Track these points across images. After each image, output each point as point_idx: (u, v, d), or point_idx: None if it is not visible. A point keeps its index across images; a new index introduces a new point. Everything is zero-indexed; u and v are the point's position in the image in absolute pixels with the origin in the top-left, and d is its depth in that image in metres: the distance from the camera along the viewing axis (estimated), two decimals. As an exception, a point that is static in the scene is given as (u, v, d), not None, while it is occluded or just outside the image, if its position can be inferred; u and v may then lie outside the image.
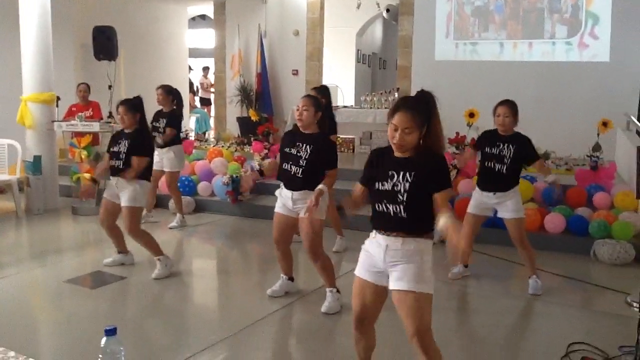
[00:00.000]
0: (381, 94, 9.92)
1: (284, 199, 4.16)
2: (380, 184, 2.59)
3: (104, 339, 1.48)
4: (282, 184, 4.18)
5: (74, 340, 3.73)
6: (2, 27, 8.59)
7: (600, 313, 4.33)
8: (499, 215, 4.63)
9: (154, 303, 4.61)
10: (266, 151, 8.03)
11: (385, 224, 2.59)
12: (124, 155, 4.82)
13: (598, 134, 7.43)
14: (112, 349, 1.48)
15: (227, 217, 7.35)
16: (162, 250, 5.00)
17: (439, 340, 2.64)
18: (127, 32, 10.65)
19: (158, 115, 6.50)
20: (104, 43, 9.90)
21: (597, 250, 5.56)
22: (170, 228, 6.61)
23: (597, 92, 8.96)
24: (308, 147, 3.99)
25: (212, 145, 9.49)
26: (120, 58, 10.13)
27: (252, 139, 9.17)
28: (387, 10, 14.07)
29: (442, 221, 2.45)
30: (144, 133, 4.98)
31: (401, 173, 2.54)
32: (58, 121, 7.52)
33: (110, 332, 1.49)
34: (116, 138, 4.98)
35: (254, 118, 9.34)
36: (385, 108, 9.43)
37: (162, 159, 6.38)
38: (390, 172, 2.57)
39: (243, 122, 11.01)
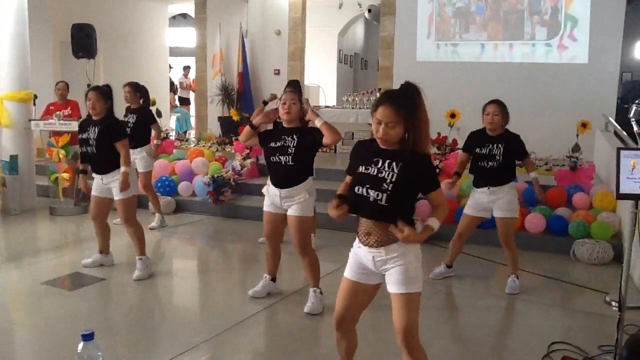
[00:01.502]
0: (363, 94, 9.93)
1: (271, 197, 4.15)
2: (364, 168, 2.55)
3: (80, 344, 1.44)
4: (269, 182, 4.17)
5: (52, 344, 3.66)
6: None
7: (580, 312, 4.37)
8: (494, 214, 4.63)
9: (134, 305, 4.54)
10: (247, 151, 7.98)
11: (362, 209, 2.55)
12: (93, 141, 4.76)
13: (577, 135, 7.51)
14: (89, 354, 1.44)
15: (208, 218, 7.29)
16: (138, 250, 4.95)
17: (421, 339, 2.63)
18: (107, 30, 10.52)
19: (127, 111, 6.42)
20: (83, 41, 9.73)
21: (576, 250, 5.62)
22: (151, 229, 6.53)
23: (576, 94, 9.07)
24: (295, 136, 3.98)
25: (193, 145, 9.41)
26: (100, 56, 9.99)
27: (233, 138, 9.11)
28: (369, 11, 14.09)
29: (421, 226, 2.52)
30: (113, 118, 4.93)
31: (387, 162, 2.50)
32: (35, 120, 7.40)
33: (88, 337, 1.45)
34: (84, 126, 4.90)
35: (235, 118, 9.29)
36: (367, 108, 9.43)
37: (134, 159, 6.29)
38: (375, 159, 2.53)
39: (224, 121, 10.94)
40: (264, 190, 4.23)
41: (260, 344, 3.87)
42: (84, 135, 4.85)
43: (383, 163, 2.51)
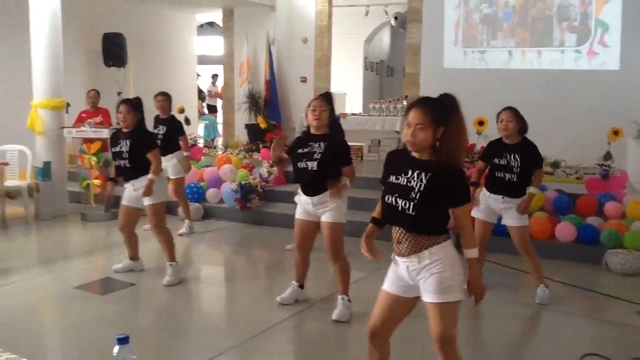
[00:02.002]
0: (389, 101, 9.91)
1: (303, 205, 4.17)
2: (394, 178, 2.58)
3: (116, 348, 1.48)
4: (299, 190, 4.18)
5: (82, 347, 3.73)
6: (12, 34, 8.66)
7: (611, 323, 4.29)
8: (503, 221, 4.60)
9: (162, 310, 4.60)
10: (274, 158, 8.02)
11: (392, 218, 2.59)
12: (126, 154, 4.88)
13: (609, 143, 7.38)
14: (124, 357, 1.48)
15: (236, 224, 7.35)
16: (168, 257, 5.02)
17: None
18: (137, 39, 10.71)
19: (157, 121, 6.51)
20: (114, 50, 9.96)
21: (609, 260, 5.51)
22: (180, 235, 6.61)
23: (607, 101, 8.91)
24: (322, 143, 4.02)
25: (220, 152, 9.51)
26: (130, 65, 10.19)
27: (260, 146, 9.18)
28: (395, 18, 14.09)
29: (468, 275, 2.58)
30: (144, 130, 5.04)
31: (416, 172, 2.51)
32: (68, 127, 7.56)
33: (123, 341, 1.48)
34: (115, 139, 5.03)
35: (262, 125, 9.35)
36: (394, 115, 9.42)
37: (166, 166, 6.38)
38: (404, 168, 2.56)
39: (251, 129, 11.02)
40: (296, 199, 4.26)
41: (288, 351, 3.89)
42: (117, 149, 4.95)
43: (412, 172, 2.52)
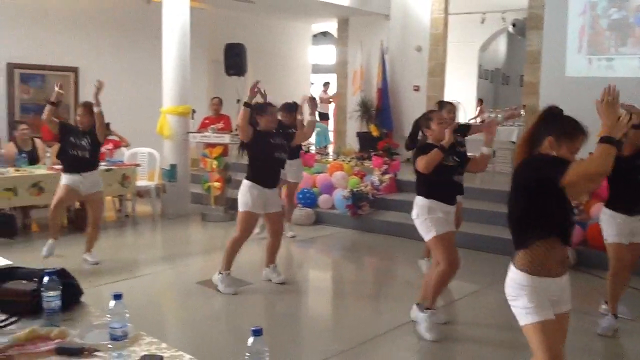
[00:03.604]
0: (505, 110, 9.60)
1: (445, 215, 3.99)
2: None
3: (250, 339, 1.57)
4: (437, 201, 3.97)
5: (198, 339, 3.97)
6: (147, 46, 9.38)
7: None
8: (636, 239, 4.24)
9: (275, 310, 4.79)
10: (386, 166, 8.05)
11: (571, 236, 2.70)
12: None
13: None
14: (257, 348, 1.58)
15: (346, 231, 7.45)
16: (275, 259, 5.18)
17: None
18: (256, 49, 11.18)
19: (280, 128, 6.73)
20: (234, 59, 10.44)
21: None
22: (291, 237, 6.78)
23: None
24: (455, 156, 4.04)
25: (332, 159, 9.68)
26: (249, 73, 10.65)
27: (372, 153, 9.23)
28: (513, 25, 13.64)
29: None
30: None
31: None
32: (192, 132, 8.05)
33: (257, 333, 1.58)
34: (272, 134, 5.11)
35: (374, 133, 9.39)
36: (510, 125, 9.12)
37: (287, 171, 6.59)
38: None
39: (363, 137, 11.12)
40: (430, 209, 4.02)
41: (398, 358, 3.88)
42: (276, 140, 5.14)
43: None
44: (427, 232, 3.97)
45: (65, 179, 5.47)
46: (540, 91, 9.61)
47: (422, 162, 3.85)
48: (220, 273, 4.89)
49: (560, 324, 2.49)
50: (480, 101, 14.35)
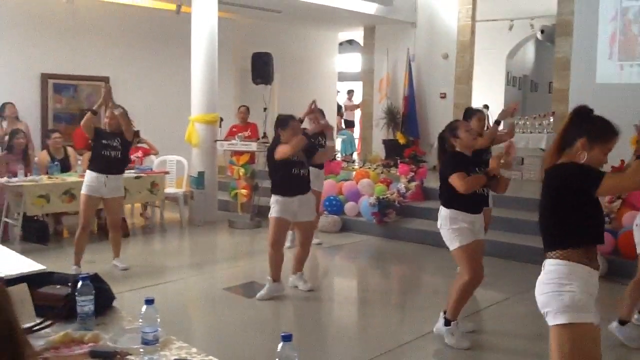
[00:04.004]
0: (534, 118, 9.50)
1: (470, 224, 3.92)
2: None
3: (280, 344, 1.59)
4: (460, 211, 3.90)
5: (222, 345, 4.00)
6: (176, 56, 9.54)
7: None
8: None
9: (300, 316, 4.81)
10: (412, 174, 8.02)
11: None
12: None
13: None
14: (287, 354, 1.59)
15: (372, 238, 7.43)
16: (302, 267, 5.19)
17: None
18: (282, 57, 11.25)
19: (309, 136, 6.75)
20: (261, 68, 10.53)
21: None
22: (317, 244, 6.79)
23: None
24: (479, 168, 3.98)
25: (358, 167, 9.68)
26: (275, 82, 10.72)
27: (398, 161, 9.20)
28: (542, 32, 13.48)
29: None
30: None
31: None
32: (220, 140, 8.13)
33: (287, 338, 1.60)
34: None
35: (401, 141, 9.37)
36: (539, 132, 9.01)
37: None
38: None
39: (389, 144, 11.10)
40: (458, 220, 3.93)
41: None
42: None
43: None
44: (451, 243, 3.93)
45: (87, 184, 5.47)
46: (570, 98, 9.49)
47: (462, 183, 3.71)
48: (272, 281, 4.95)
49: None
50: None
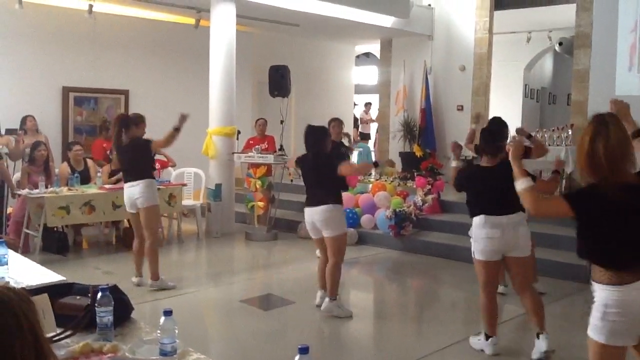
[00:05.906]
0: (553, 130, 9.41)
1: (492, 232, 3.91)
2: None
3: (297, 357, 1.59)
4: (482, 215, 3.95)
5: (257, 356, 4.00)
6: (194, 69, 9.64)
7: None
8: None
9: (316, 330, 4.78)
10: (429, 186, 7.99)
11: None
12: None
13: None
14: (304, 367, 1.59)
15: (388, 251, 7.40)
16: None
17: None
18: (299, 70, 11.33)
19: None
20: (278, 81, 10.60)
21: None
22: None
23: None
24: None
25: (375, 179, 9.66)
26: (292, 94, 10.77)
27: (415, 174, 9.17)
28: (560, 44, 13.41)
29: None
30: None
31: None
32: (237, 153, 8.18)
33: (304, 351, 1.60)
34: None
35: (418, 153, 9.34)
36: (557, 145, 8.92)
37: None
38: None
39: (405, 157, 11.08)
40: (482, 235, 3.94)
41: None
42: None
43: None
44: (473, 252, 3.97)
45: (155, 195, 5.52)
46: (588, 110, 9.40)
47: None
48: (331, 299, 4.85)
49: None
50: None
